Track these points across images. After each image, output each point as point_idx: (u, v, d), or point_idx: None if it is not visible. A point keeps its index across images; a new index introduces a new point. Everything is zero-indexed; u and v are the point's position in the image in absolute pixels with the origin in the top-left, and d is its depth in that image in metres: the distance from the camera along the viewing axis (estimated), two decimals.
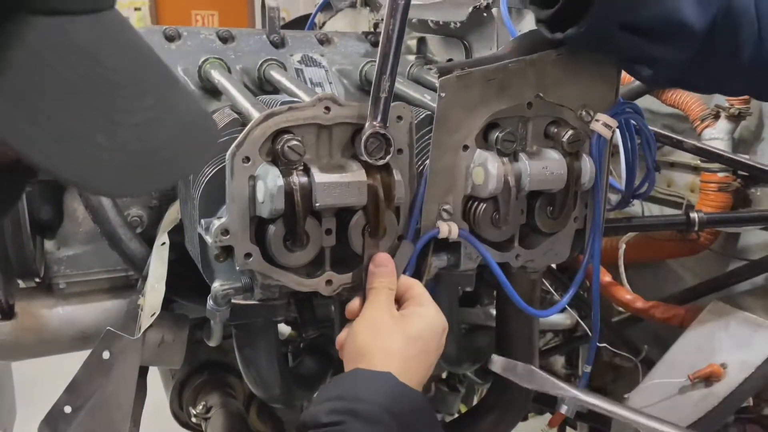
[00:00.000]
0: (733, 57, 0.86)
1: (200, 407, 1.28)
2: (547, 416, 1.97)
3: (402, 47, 1.38)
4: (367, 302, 0.76)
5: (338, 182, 0.81)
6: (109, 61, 0.41)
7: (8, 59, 0.36)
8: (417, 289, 0.80)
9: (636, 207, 1.48)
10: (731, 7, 0.82)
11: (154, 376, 1.38)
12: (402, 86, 1.16)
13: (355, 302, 0.79)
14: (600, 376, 1.81)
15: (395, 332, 0.72)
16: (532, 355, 1.16)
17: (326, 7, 1.77)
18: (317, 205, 0.80)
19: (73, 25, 0.40)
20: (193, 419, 1.31)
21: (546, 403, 1.81)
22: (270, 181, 0.78)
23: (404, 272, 0.82)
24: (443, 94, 0.86)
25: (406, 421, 0.64)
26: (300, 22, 1.84)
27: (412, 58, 1.35)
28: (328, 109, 0.83)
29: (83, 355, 0.94)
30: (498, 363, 1.06)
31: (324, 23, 1.83)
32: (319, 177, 0.81)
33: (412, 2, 1.44)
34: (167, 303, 1.00)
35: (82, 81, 0.39)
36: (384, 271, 0.79)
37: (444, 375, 1.67)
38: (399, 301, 0.80)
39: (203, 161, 0.51)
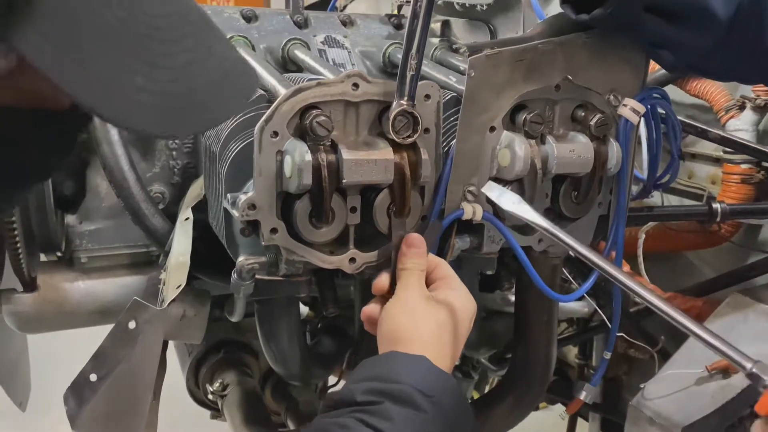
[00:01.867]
0: (756, 44, 0.86)
1: (217, 385, 1.29)
2: (558, 407, 1.97)
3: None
4: (401, 283, 0.76)
5: (366, 159, 0.81)
6: (149, 6, 0.42)
7: (54, 5, 0.37)
8: (446, 269, 0.80)
9: (656, 198, 1.47)
10: None
11: (169, 354, 1.39)
12: (426, 68, 1.16)
13: (383, 278, 0.79)
14: (614, 367, 1.81)
15: (430, 316, 0.72)
16: (551, 341, 1.15)
17: None
18: (344, 181, 0.80)
19: None
20: (210, 396, 1.32)
21: (558, 393, 1.82)
22: (298, 156, 0.78)
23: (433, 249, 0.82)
24: (473, 73, 0.86)
25: (439, 404, 0.65)
26: (322, 5, 1.83)
27: (436, 41, 1.34)
28: (356, 85, 0.82)
29: (100, 332, 0.95)
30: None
31: (345, 6, 1.82)
32: (346, 154, 0.80)
33: None
34: (189, 279, 1.01)
35: (123, 25, 0.40)
36: (416, 252, 0.79)
37: (458, 361, 1.67)
38: (427, 281, 0.80)
39: (242, 106, 0.52)
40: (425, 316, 0.73)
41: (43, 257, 1.20)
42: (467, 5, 1.24)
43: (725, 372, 1.21)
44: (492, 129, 0.91)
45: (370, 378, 0.66)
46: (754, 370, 0.58)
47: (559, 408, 1.98)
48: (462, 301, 0.77)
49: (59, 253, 1.20)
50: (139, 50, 0.41)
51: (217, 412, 1.37)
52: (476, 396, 1.73)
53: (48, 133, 0.49)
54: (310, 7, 1.89)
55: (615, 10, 0.83)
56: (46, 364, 1.94)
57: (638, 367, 1.75)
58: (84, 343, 1.11)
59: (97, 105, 0.39)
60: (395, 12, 1.52)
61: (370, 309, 0.77)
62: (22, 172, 0.52)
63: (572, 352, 1.87)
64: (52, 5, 0.37)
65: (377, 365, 0.68)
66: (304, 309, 1.32)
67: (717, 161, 1.48)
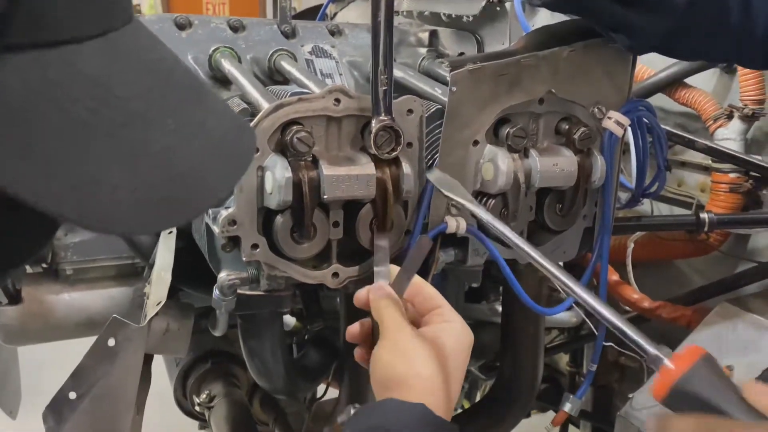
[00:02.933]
0: (719, 22, 0.85)
1: (204, 396, 1.28)
2: (550, 414, 1.97)
3: (414, 40, 1.38)
4: (383, 325, 0.68)
5: (347, 175, 0.81)
6: (122, 89, 0.38)
7: (10, 108, 0.33)
8: (438, 299, 0.72)
9: (645, 206, 1.47)
10: None
11: (158, 364, 1.39)
12: (413, 79, 1.16)
13: (362, 292, 0.72)
14: (605, 375, 1.80)
15: (424, 356, 0.65)
16: (538, 352, 1.15)
17: None
18: (325, 197, 0.80)
19: (81, 54, 0.36)
20: (197, 408, 1.31)
21: (549, 401, 1.81)
22: (278, 172, 0.78)
23: (410, 268, 0.74)
24: (454, 89, 0.85)
25: None
26: (312, 13, 1.83)
27: (423, 50, 1.34)
28: (338, 101, 0.82)
29: (89, 341, 0.95)
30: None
31: (336, 14, 1.82)
32: (327, 169, 0.80)
33: None
34: (173, 291, 1.01)
35: (95, 117, 0.36)
36: (383, 287, 0.71)
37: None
38: (419, 312, 0.72)
39: (236, 180, 0.45)
40: (419, 356, 0.65)
41: (28, 269, 1.20)
42: (453, 16, 1.24)
43: None
44: (475, 143, 0.91)
45: (365, 429, 0.60)
46: (654, 351, 0.57)
47: (551, 415, 1.99)
48: (457, 333, 0.69)
49: (44, 265, 1.19)
50: (114, 143, 0.36)
51: (204, 423, 1.36)
52: (467, 405, 1.72)
53: (25, 225, 0.43)
54: (301, 14, 1.89)
55: None
56: (35, 370, 1.93)
57: (629, 375, 1.75)
58: (74, 349, 1.11)
59: (70, 214, 0.35)
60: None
61: (354, 329, 0.72)
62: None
63: (563, 359, 1.87)
64: (9, 107, 0.33)
65: (373, 415, 0.62)
66: (291, 320, 1.32)
67: (706, 170, 1.48)
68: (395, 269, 0.73)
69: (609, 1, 0.82)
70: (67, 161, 0.34)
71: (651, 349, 0.57)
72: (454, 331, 0.69)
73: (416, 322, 0.70)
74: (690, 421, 0.49)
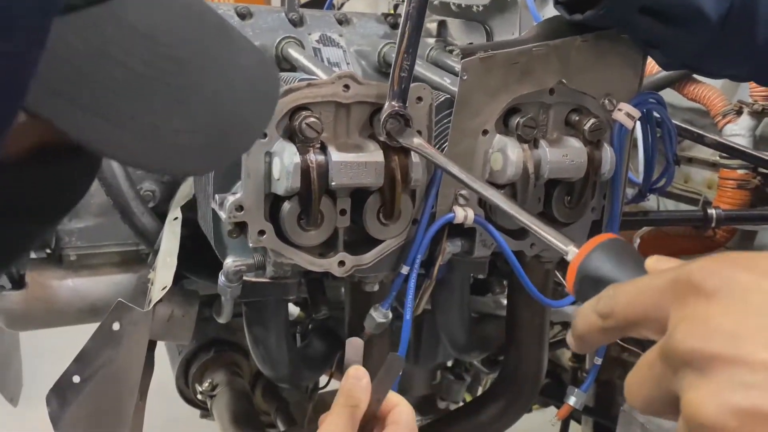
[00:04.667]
0: (747, 41, 0.86)
1: (206, 384, 1.28)
2: (551, 410, 1.96)
3: (422, 30, 1.37)
4: (326, 422, 0.58)
5: (355, 162, 0.80)
6: (166, 36, 0.40)
7: (78, 68, 0.35)
8: (399, 415, 0.61)
9: (651, 202, 1.46)
10: None
11: (160, 353, 1.38)
12: (421, 68, 1.15)
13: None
14: (607, 371, 1.80)
15: None
16: (543, 346, 1.15)
17: None
18: (333, 184, 0.79)
19: (125, 8, 0.38)
20: (199, 396, 1.31)
21: (551, 395, 1.81)
22: (286, 158, 0.77)
23: (381, 389, 0.61)
24: (465, 77, 0.85)
25: None
26: (319, 2, 1.82)
27: (432, 41, 1.34)
28: (347, 87, 0.81)
29: (91, 329, 0.94)
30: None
31: (343, 4, 1.81)
32: (336, 156, 0.79)
33: None
34: (177, 278, 1.00)
35: (148, 67, 0.38)
36: (356, 385, 0.60)
37: (450, 363, 1.66)
38: (383, 421, 0.61)
39: (271, 114, 0.49)
40: None
41: (32, 254, 1.19)
42: (463, 6, 1.23)
43: None
44: (485, 132, 0.90)
45: None
46: (565, 247, 0.59)
47: (552, 411, 1.98)
48: None
49: (48, 251, 1.19)
50: (170, 91, 0.39)
51: (206, 412, 1.36)
52: (468, 398, 1.72)
53: (71, 168, 0.45)
54: (308, 4, 1.88)
55: (608, 11, 0.82)
56: (36, 357, 1.93)
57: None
58: (74, 337, 1.11)
59: (141, 161, 0.38)
60: (392, 11, 1.51)
61: None
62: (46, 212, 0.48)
63: (566, 354, 1.87)
64: (77, 67, 0.35)
65: None
66: (295, 309, 1.31)
67: (713, 166, 1.47)
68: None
69: (646, 17, 0.83)
70: (132, 113, 0.37)
71: (562, 245, 0.59)
72: None
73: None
74: (589, 302, 0.47)
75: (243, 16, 1.26)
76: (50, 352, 1.77)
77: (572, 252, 0.56)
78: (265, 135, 0.79)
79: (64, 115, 0.34)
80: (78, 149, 0.37)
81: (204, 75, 0.41)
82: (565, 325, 1.74)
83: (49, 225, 0.56)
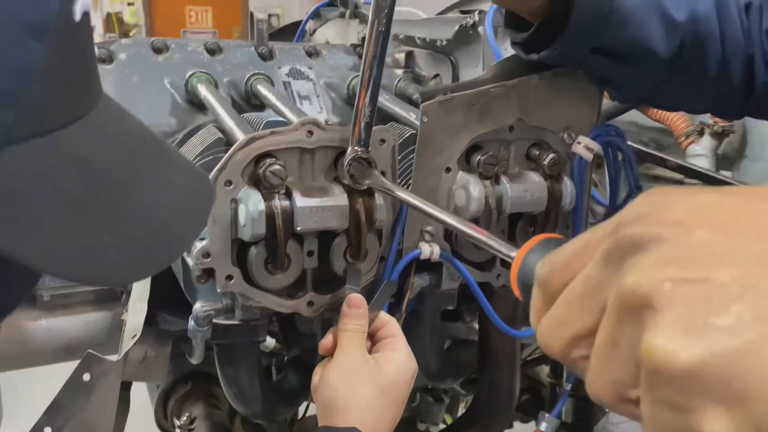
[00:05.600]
0: (700, 77, 0.90)
1: (184, 418, 1.28)
2: (532, 424, 1.98)
3: (390, 61, 1.39)
4: (340, 347, 0.76)
5: (320, 206, 0.82)
6: (103, 161, 0.43)
7: (15, 190, 0.38)
8: (392, 329, 0.80)
9: None
10: (698, 32, 0.86)
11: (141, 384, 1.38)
12: (388, 102, 1.17)
13: (328, 338, 0.79)
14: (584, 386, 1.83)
15: (368, 381, 0.72)
16: (514, 370, 1.17)
17: (316, 15, 1.78)
18: (298, 228, 0.81)
19: (66, 137, 0.41)
20: (177, 430, 1.31)
21: (531, 413, 1.83)
22: (251, 205, 0.79)
23: (376, 307, 0.81)
24: (426, 119, 0.87)
25: None
26: (291, 29, 1.84)
27: (399, 72, 1.36)
28: (311, 132, 0.83)
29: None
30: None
31: (315, 30, 1.83)
32: (300, 201, 0.81)
33: (401, 18, 1.45)
34: (151, 318, 1.01)
35: (83, 189, 0.41)
36: (357, 313, 0.79)
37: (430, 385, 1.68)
38: (374, 339, 0.80)
39: (202, 226, 0.53)
40: (362, 381, 0.73)
41: None
42: (428, 40, 1.26)
43: None
44: (447, 170, 0.92)
45: None
46: (508, 251, 0.61)
47: (533, 425, 2.00)
48: (402, 362, 0.77)
49: None
50: (102, 210, 0.42)
51: None
52: (449, 420, 1.74)
53: (9, 277, 0.48)
54: (281, 30, 1.90)
55: (562, 51, 0.85)
56: (18, 388, 1.92)
57: None
58: (58, 367, 1.11)
59: (72, 275, 0.41)
60: (360, 41, 1.54)
61: (315, 380, 0.77)
62: None
63: (544, 371, 1.89)
64: (14, 189, 0.38)
65: None
66: (271, 341, 1.32)
67: (680, 183, 1.51)
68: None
69: (600, 56, 0.86)
70: (67, 232, 0.40)
71: (506, 250, 0.61)
72: (398, 361, 0.76)
73: (370, 350, 0.79)
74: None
75: (212, 52, 1.28)
76: (31, 380, 1.76)
77: (511, 254, 0.58)
78: (230, 183, 0.81)
79: (8, 239, 0.36)
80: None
81: (136, 193, 0.44)
82: None
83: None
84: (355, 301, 0.80)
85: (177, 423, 1.27)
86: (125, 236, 0.42)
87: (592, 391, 0.33)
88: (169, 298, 1.03)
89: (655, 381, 0.28)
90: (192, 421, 1.29)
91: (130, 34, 7.28)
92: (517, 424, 2.01)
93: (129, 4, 7.80)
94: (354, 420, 0.69)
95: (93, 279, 0.45)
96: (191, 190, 0.50)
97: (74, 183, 0.40)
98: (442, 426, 1.73)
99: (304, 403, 1.25)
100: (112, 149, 0.45)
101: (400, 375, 0.75)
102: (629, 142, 1.14)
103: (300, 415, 1.30)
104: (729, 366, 0.26)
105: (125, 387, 0.99)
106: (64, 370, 0.91)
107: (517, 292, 0.53)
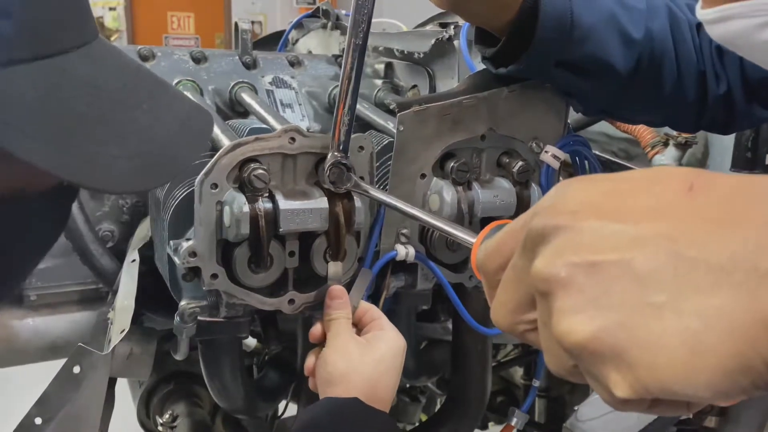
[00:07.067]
0: (656, 92, 0.96)
1: (167, 416, 1.32)
2: None
3: (370, 71, 1.45)
4: (330, 334, 0.82)
5: (301, 209, 0.86)
6: (106, 84, 0.49)
7: (27, 106, 0.43)
8: (375, 313, 0.87)
9: None
10: (654, 49, 0.92)
11: (123, 384, 1.41)
12: (368, 111, 1.22)
13: (317, 327, 0.85)
14: (558, 387, 1.89)
15: (363, 356, 0.79)
16: (486, 369, 1.22)
17: (299, 25, 1.82)
18: (281, 230, 0.86)
19: (69, 61, 0.47)
20: (160, 428, 1.34)
21: (505, 413, 1.88)
22: (236, 207, 0.83)
23: (356, 295, 0.88)
24: (402, 128, 0.92)
25: None
26: (274, 38, 1.89)
27: (379, 82, 1.42)
28: (293, 139, 0.88)
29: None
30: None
31: (297, 40, 1.88)
32: (283, 203, 0.86)
33: (380, 30, 1.51)
34: (136, 316, 1.04)
35: (90, 108, 0.46)
36: (339, 303, 0.85)
37: (407, 385, 1.73)
38: (357, 325, 0.86)
39: (203, 147, 0.58)
40: (358, 356, 0.79)
41: None
42: (406, 52, 1.31)
43: None
44: (422, 176, 0.98)
45: (309, 426, 0.71)
46: (469, 238, 0.64)
47: None
48: (392, 339, 0.84)
49: None
50: (108, 125, 0.47)
51: None
52: (424, 418, 1.78)
53: (45, 209, 0.54)
54: (264, 39, 1.95)
55: (527, 66, 0.91)
56: (2, 381, 1.92)
57: (581, 387, 1.83)
58: (46, 365, 1.14)
59: (83, 180, 0.46)
60: (341, 51, 1.59)
61: (311, 362, 0.83)
62: (26, 251, 0.57)
63: (518, 372, 1.95)
64: (26, 105, 0.43)
65: (315, 412, 0.74)
66: (252, 341, 1.36)
67: None
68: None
69: (563, 70, 0.92)
70: (76, 143, 0.45)
71: (467, 237, 0.64)
72: (387, 338, 0.83)
73: (358, 334, 0.85)
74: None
75: (198, 60, 1.32)
76: (18, 377, 1.77)
77: (469, 241, 0.62)
78: (216, 186, 0.85)
79: (14, 142, 0.42)
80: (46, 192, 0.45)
81: (139, 114, 0.50)
82: (517, 345, 1.82)
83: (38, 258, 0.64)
84: (336, 293, 0.86)
85: (159, 421, 1.31)
86: (131, 150, 0.47)
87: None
88: (155, 297, 1.07)
89: (574, 358, 0.34)
90: (174, 419, 1.32)
91: (112, 39, 7.25)
92: (492, 426, 2.07)
93: (111, 9, 7.78)
94: (354, 390, 0.74)
95: (102, 185, 0.49)
96: (191, 115, 0.55)
97: (80, 102, 0.46)
98: (417, 425, 1.78)
99: (284, 402, 1.29)
100: (114, 76, 0.50)
101: (391, 348, 0.82)
102: (597, 152, 1.20)
103: (280, 413, 1.34)
104: (617, 339, 0.31)
105: (110, 384, 1.02)
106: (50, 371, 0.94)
107: (478, 275, 0.58)
